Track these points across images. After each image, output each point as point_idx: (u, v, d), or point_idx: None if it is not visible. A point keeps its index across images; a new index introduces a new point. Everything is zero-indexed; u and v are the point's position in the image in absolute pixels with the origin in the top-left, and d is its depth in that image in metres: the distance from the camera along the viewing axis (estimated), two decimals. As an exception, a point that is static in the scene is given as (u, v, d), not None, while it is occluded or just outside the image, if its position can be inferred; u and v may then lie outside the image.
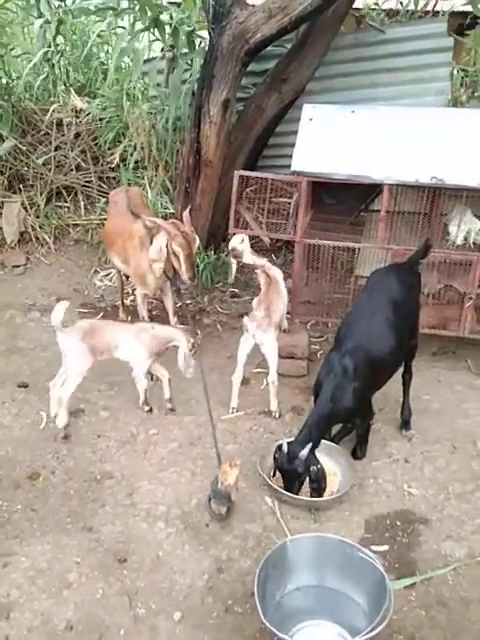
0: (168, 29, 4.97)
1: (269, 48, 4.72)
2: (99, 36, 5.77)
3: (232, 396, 3.55)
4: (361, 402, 3.06)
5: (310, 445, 2.82)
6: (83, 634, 2.23)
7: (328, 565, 2.27)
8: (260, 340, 3.46)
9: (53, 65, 5.72)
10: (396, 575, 2.52)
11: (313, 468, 2.83)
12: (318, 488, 2.86)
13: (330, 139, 4.05)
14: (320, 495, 2.86)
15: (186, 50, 5.22)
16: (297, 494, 2.86)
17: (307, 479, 2.87)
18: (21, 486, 2.95)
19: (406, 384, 3.44)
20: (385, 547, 2.68)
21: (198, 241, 3.71)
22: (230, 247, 3.91)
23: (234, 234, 4.01)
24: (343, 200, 4.62)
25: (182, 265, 3.60)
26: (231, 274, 4.19)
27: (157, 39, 5.16)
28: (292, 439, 2.92)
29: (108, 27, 5.39)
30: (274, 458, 2.90)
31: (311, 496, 2.87)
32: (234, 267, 4.13)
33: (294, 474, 2.84)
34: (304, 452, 2.80)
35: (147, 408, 3.52)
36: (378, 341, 3.05)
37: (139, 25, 5.13)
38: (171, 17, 5.01)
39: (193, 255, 3.64)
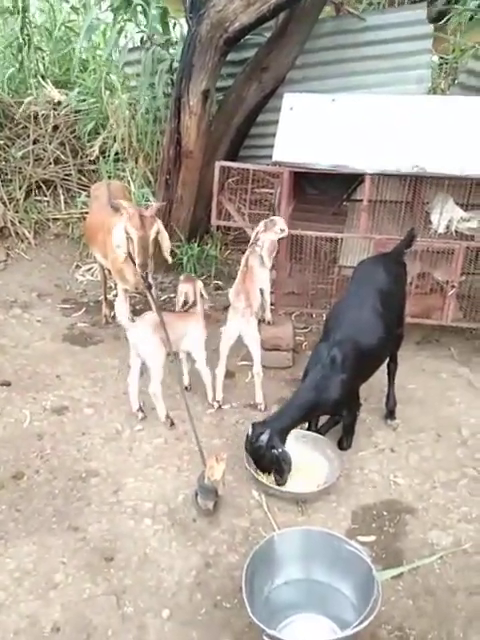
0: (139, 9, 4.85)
1: (248, 37, 4.67)
2: (72, 29, 5.69)
3: (216, 390, 3.53)
4: (348, 394, 3.06)
5: (270, 429, 2.81)
6: (70, 635, 2.21)
7: (316, 558, 2.26)
8: (243, 331, 3.44)
9: (22, 57, 5.61)
10: (383, 565, 2.52)
11: (274, 451, 2.81)
12: (279, 471, 2.84)
13: (311, 128, 4.02)
14: (283, 479, 2.85)
15: (161, 32, 5.11)
16: (266, 473, 2.87)
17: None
18: (5, 486, 2.91)
19: (391, 374, 3.45)
20: (372, 537, 2.69)
21: (158, 227, 3.35)
22: None
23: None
24: (325, 190, 4.60)
25: (134, 248, 3.28)
26: None
27: (129, 20, 5.05)
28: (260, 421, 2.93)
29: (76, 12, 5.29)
30: (246, 437, 2.91)
31: (274, 480, 2.86)
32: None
33: (258, 456, 2.85)
34: (264, 435, 2.80)
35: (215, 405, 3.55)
36: (367, 332, 3.05)
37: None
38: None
39: (147, 239, 3.28)
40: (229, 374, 3.69)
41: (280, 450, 2.81)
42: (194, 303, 3.53)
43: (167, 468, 3.06)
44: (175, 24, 5.14)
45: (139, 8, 4.78)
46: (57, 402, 3.48)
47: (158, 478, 2.99)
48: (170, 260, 3.57)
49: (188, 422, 3.41)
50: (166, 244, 3.48)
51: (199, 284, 3.57)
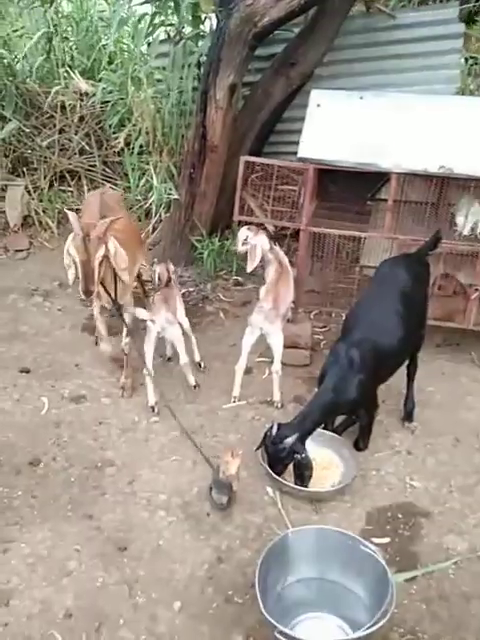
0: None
1: (277, 32, 4.64)
2: (101, 19, 5.69)
3: (234, 386, 3.53)
4: (366, 394, 3.03)
5: (297, 434, 2.80)
6: (82, 622, 2.23)
7: (330, 557, 2.25)
8: (267, 331, 3.43)
9: (51, 46, 5.62)
10: (397, 568, 2.50)
11: (297, 456, 2.80)
12: (301, 476, 2.83)
13: (338, 126, 3.99)
14: (304, 483, 2.84)
15: (190, 28, 5.11)
16: (280, 475, 2.85)
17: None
18: (22, 472, 2.94)
19: (411, 376, 3.42)
20: (386, 539, 2.67)
21: (108, 248, 2.89)
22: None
23: (240, 225, 3.91)
24: (349, 188, 4.56)
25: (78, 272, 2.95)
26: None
27: (158, 12, 5.05)
28: (286, 422, 2.91)
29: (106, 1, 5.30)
30: (263, 436, 2.88)
31: (295, 483, 2.85)
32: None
33: (277, 458, 2.83)
34: (289, 440, 2.78)
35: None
36: (386, 333, 3.02)
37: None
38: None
39: (88, 265, 2.86)
40: (246, 370, 3.67)
41: (303, 455, 2.79)
42: (169, 280, 3.68)
43: (182, 461, 3.06)
44: (206, 18, 5.12)
45: (171, 2, 4.77)
46: (75, 391, 3.50)
47: (173, 470, 3.00)
48: (126, 280, 3.02)
49: (204, 416, 3.44)
50: (122, 265, 3.00)
51: (171, 265, 3.77)
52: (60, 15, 5.62)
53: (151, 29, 5.05)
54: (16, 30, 5.96)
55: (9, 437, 3.18)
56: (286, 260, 3.77)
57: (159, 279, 3.68)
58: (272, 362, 3.51)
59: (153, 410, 3.41)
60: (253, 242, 3.63)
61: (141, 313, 3.42)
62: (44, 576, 2.41)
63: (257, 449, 2.94)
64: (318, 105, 4.07)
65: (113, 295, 3.25)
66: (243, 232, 3.71)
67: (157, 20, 4.99)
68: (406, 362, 3.33)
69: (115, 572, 2.44)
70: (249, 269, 3.67)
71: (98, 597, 2.33)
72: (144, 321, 3.43)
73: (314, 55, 4.70)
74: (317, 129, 3.98)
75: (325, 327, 4.41)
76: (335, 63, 4.94)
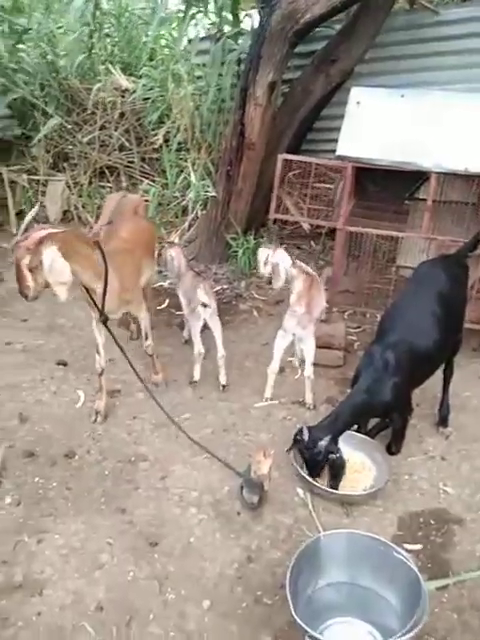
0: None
1: (318, 29, 4.62)
2: (139, 16, 5.72)
3: (267, 387, 3.53)
4: (400, 398, 2.99)
5: (331, 434, 2.79)
6: (113, 615, 2.26)
7: (361, 563, 2.23)
8: (299, 336, 3.42)
9: (93, 44, 5.68)
10: (428, 575, 2.46)
11: (332, 456, 2.79)
12: (336, 476, 2.82)
13: (378, 124, 3.95)
14: (337, 483, 2.82)
15: (230, 27, 5.12)
16: (317, 477, 2.84)
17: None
18: (57, 464, 2.99)
19: (446, 380, 3.36)
20: (418, 546, 2.63)
21: (33, 258, 2.60)
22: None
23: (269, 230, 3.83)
24: (387, 187, 4.51)
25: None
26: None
27: (200, 11, 5.07)
28: (315, 424, 2.90)
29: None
30: (294, 439, 2.87)
31: (328, 483, 2.84)
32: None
33: (313, 460, 2.82)
34: (323, 441, 2.77)
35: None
36: (423, 335, 2.97)
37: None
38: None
39: (18, 267, 2.63)
40: (280, 370, 3.67)
41: (338, 455, 2.78)
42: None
43: (213, 458, 3.08)
44: (245, 16, 5.12)
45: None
46: (110, 385, 3.54)
47: (205, 468, 3.01)
48: (61, 297, 2.72)
49: (236, 414, 3.45)
50: (59, 279, 2.68)
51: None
52: (101, 12, 5.68)
53: (186, 23, 5.05)
54: (60, 26, 6.06)
55: (46, 428, 3.24)
56: (311, 270, 3.70)
57: (177, 266, 3.75)
58: (303, 363, 3.50)
59: (191, 385, 3.61)
60: (274, 260, 3.47)
61: (202, 295, 3.50)
62: (77, 568, 2.45)
63: (288, 451, 2.93)
64: (358, 103, 4.03)
65: (100, 305, 3.08)
66: (263, 252, 3.53)
67: (190, 12, 4.99)
68: (442, 366, 3.28)
69: (146, 567, 2.46)
70: (276, 287, 3.56)
71: (129, 591, 2.36)
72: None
73: (355, 52, 4.66)
74: (356, 127, 3.95)
75: (359, 328, 4.38)
76: (376, 60, 4.89)
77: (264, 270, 3.50)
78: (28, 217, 2.83)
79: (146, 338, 3.53)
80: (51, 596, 2.33)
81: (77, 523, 2.65)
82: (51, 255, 2.61)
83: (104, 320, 3.16)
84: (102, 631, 2.20)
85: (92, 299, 3.07)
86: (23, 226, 2.87)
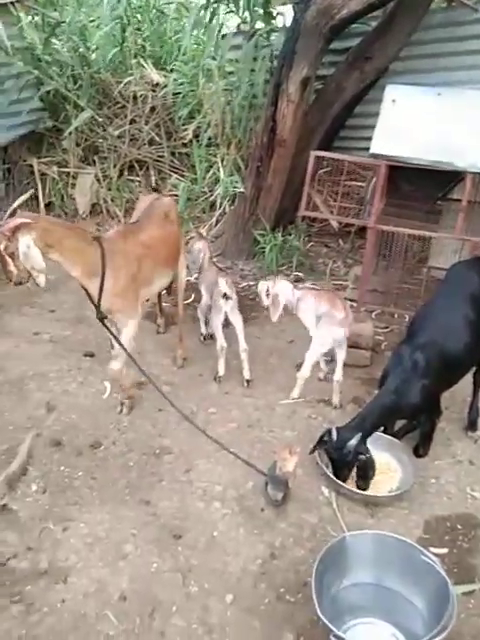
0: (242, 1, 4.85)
1: (353, 25, 4.56)
2: (162, 11, 5.70)
3: (295, 389, 3.52)
4: (429, 400, 2.95)
5: (360, 434, 2.76)
6: (136, 606, 2.26)
7: (387, 564, 2.20)
8: (339, 341, 3.40)
9: (125, 37, 5.69)
10: (454, 580, 2.41)
11: (361, 457, 2.76)
12: (365, 477, 2.79)
13: (413, 122, 3.89)
14: (366, 484, 2.80)
15: (262, 24, 5.09)
16: (345, 481, 2.81)
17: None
18: (83, 454, 3.01)
19: (477, 383, 3.30)
20: (444, 550, 2.59)
21: (7, 247, 2.63)
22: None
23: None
24: (421, 187, 4.45)
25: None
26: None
27: (231, 11, 5.05)
28: (342, 425, 2.87)
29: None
30: (319, 440, 2.85)
31: (357, 485, 2.81)
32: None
33: (342, 461, 2.79)
34: (353, 441, 2.74)
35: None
36: (454, 337, 2.93)
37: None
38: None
39: (1, 255, 2.67)
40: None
41: (368, 456, 2.75)
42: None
43: (238, 454, 3.06)
44: (277, 14, 5.08)
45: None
46: (136, 377, 3.55)
47: (229, 463, 3.00)
48: (40, 283, 2.73)
49: (261, 410, 3.44)
50: (35, 266, 2.67)
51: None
52: (131, 6, 5.69)
53: (212, 17, 5.01)
54: (92, 20, 6.10)
55: (72, 418, 3.26)
56: (317, 287, 3.67)
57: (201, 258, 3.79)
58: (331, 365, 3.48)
59: (216, 380, 3.62)
60: (274, 291, 3.47)
61: (223, 285, 3.52)
62: (101, 557, 2.46)
63: (311, 453, 2.91)
64: (393, 101, 3.98)
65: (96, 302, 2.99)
66: (263, 285, 3.55)
67: (212, 5, 4.95)
68: (473, 369, 3.22)
69: (169, 559, 2.46)
70: (274, 319, 3.52)
71: (152, 582, 2.36)
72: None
73: (391, 49, 4.60)
74: (391, 125, 3.90)
75: (387, 328, 4.33)
76: (412, 58, 4.82)
77: (266, 301, 3.53)
78: (18, 201, 2.84)
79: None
80: (75, 584, 2.34)
81: (102, 513, 2.66)
82: (26, 242, 2.63)
83: (101, 318, 3.05)
84: (125, 620, 2.21)
85: (88, 295, 3.00)
86: (10, 209, 2.89)
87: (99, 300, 2.98)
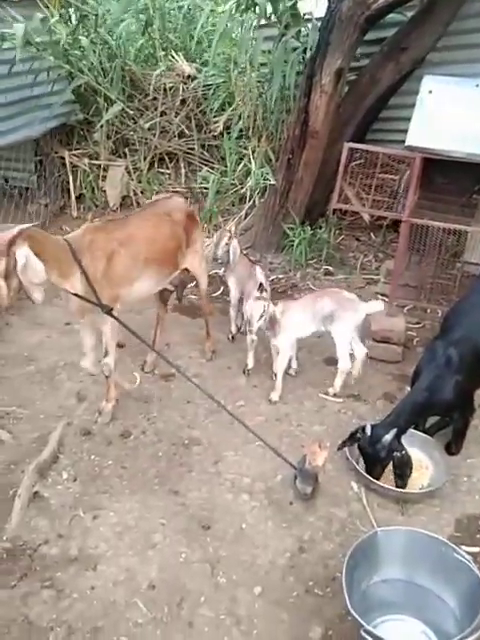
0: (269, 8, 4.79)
1: (388, 15, 4.48)
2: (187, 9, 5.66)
3: (335, 384, 3.49)
4: (462, 396, 2.90)
5: (395, 430, 2.72)
6: (165, 595, 2.27)
7: (419, 561, 2.17)
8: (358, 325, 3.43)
9: (151, 29, 5.64)
10: (487, 580, 2.38)
11: (396, 454, 2.72)
12: (402, 475, 2.75)
13: (450, 114, 3.79)
14: (404, 482, 2.76)
15: (289, 21, 5.01)
16: (379, 478, 2.77)
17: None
18: (113, 443, 3.03)
19: (511, 381, 3.23)
20: (476, 549, 2.55)
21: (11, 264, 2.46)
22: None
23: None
24: (455, 180, 4.35)
25: None
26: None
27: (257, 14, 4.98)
28: (377, 422, 2.83)
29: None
30: (351, 436, 2.82)
31: (395, 483, 2.77)
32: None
33: (376, 458, 2.76)
34: (388, 437, 2.70)
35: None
36: None
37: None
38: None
39: None
40: (332, 362, 3.62)
41: (403, 452, 2.72)
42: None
43: (266, 447, 3.05)
44: (304, 16, 4.99)
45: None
46: (165, 368, 3.56)
47: (257, 456, 3.00)
48: (37, 300, 2.57)
49: (289, 404, 3.42)
50: (33, 280, 2.53)
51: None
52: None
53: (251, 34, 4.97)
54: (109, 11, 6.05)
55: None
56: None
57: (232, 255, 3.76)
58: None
59: (245, 373, 3.63)
60: (271, 309, 3.32)
61: (260, 275, 3.61)
62: (130, 545, 2.47)
63: (340, 449, 2.88)
64: (430, 92, 3.88)
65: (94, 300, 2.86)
66: (259, 307, 3.31)
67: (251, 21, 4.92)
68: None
69: (198, 549, 2.47)
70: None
71: (181, 572, 2.37)
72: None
73: (428, 40, 4.51)
74: (427, 117, 3.81)
75: (419, 323, 4.26)
76: (449, 48, 4.70)
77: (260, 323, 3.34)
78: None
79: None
80: (105, 571, 2.36)
81: (131, 502, 2.68)
82: (23, 253, 2.45)
83: (108, 311, 2.91)
84: (154, 609, 2.22)
85: (83, 298, 2.83)
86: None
87: (95, 294, 2.83)
